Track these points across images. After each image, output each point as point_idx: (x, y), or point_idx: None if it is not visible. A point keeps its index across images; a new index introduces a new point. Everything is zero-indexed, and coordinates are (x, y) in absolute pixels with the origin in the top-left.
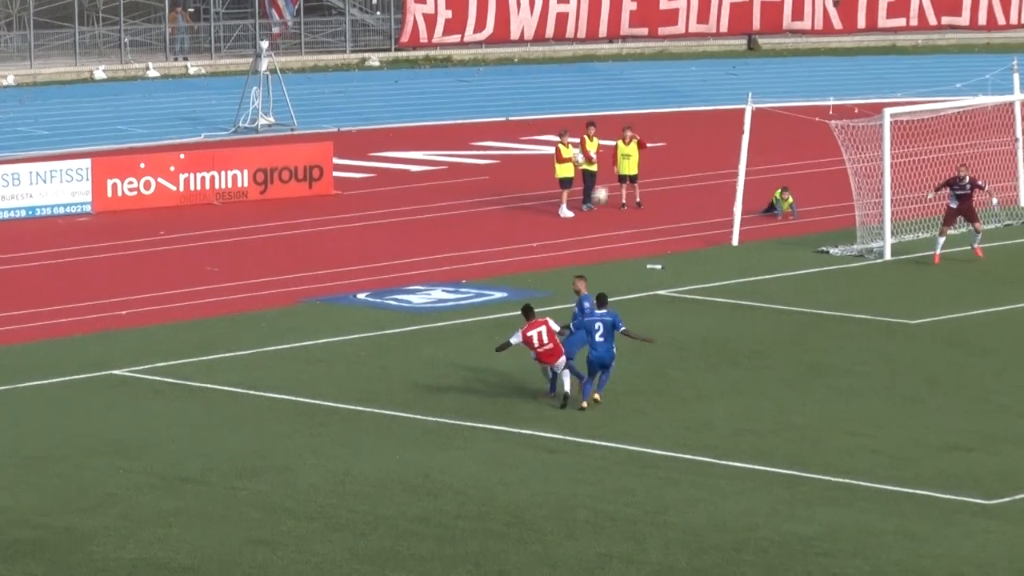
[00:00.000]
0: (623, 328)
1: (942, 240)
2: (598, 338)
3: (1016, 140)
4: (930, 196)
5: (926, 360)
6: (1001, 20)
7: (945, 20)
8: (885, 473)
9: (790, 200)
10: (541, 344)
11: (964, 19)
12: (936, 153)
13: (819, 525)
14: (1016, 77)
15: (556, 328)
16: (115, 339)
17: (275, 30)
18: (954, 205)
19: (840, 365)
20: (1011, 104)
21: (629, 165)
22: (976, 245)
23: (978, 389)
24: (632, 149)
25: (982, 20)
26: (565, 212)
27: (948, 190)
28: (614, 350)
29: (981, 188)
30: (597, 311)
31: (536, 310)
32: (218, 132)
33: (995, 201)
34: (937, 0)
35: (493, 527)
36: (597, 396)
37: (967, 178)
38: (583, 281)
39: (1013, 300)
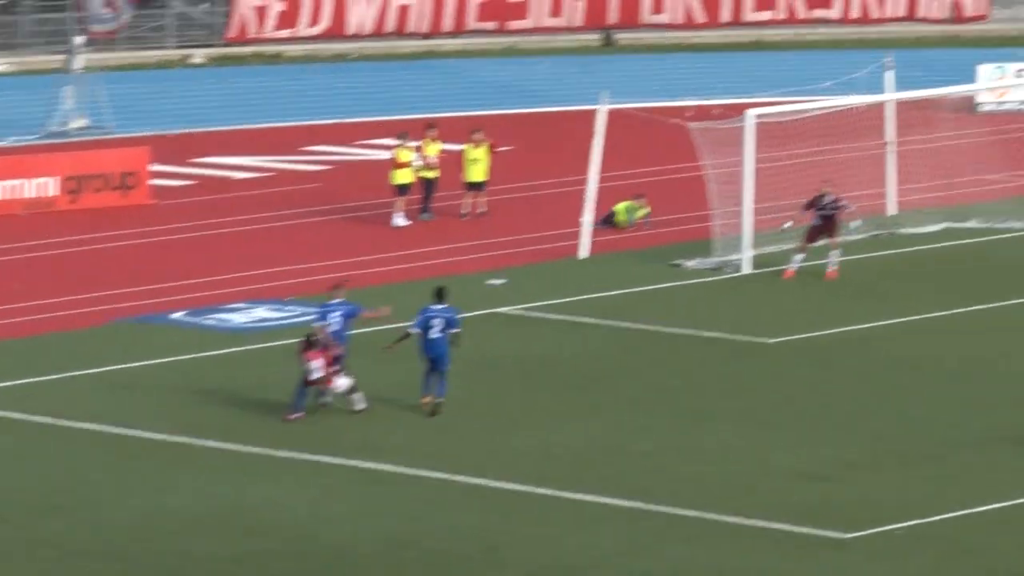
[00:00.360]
0: (457, 330)
1: (800, 257)
2: (435, 334)
3: (887, 143)
4: (786, 226)
5: (783, 381)
6: (875, 13)
7: (816, 13)
8: (737, 504)
9: (644, 210)
10: (308, 374)
11: (836, 12)
12: (802, 158)
13: (666, 562)
14: (889, 75)
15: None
16: None
17: (96, 28)
18: (818, 223)
19: (691, 387)
20: (883, 105)
21: (477, 171)
22: (831, 267)
23: (838, 413)
24: (481, 153)
25: (855, 13)
26: (399, 221)
27: (812, 211)
28: (448, 348)
29: (844, 208)
30: (435, 306)
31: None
32: (26, 136)
33: (854, 225)
34: None
35: (313, 567)
36: (430, 400)
37: (829, 197)
38: (342, 289)
39: (877, 317)
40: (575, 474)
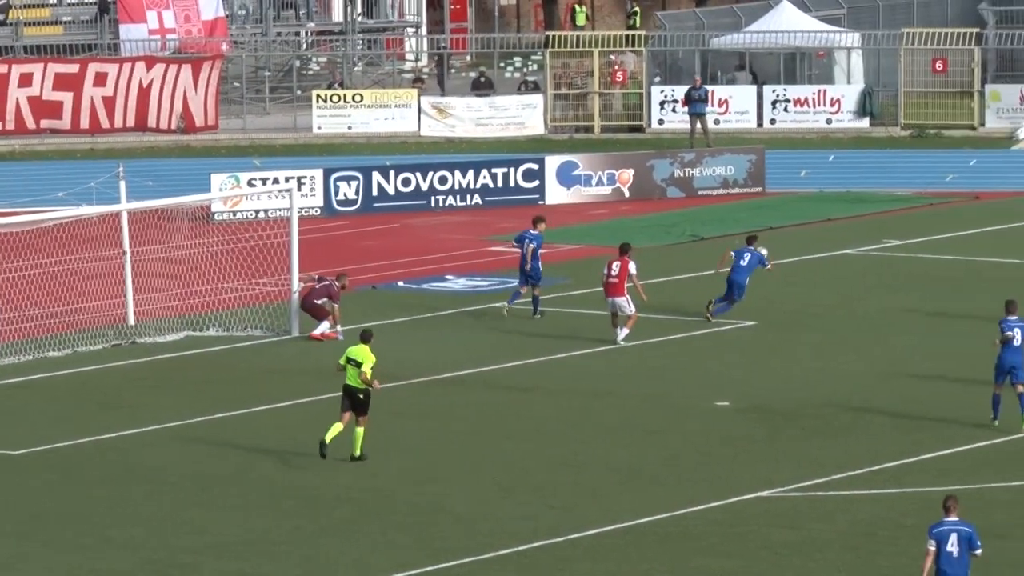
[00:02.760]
0: None
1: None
2: None
3: (124, 253)
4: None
5: (31, 494)
6: (105, 124)
7: (44, 123)
8: None
9: None
10: None
11: (66, 122)
12: (40, 268)
13: None
14: (123, 185)
15: None
16: None
17: None
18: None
19: None
20: (118, 214)
21: None
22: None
23: (86, 523)
24: None
25: (85, 123)
26: None
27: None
28: None
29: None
30: None
31: None
32: None
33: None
34: (36, 102)
35: None
36: None
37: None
38: None
39: (120, 427)
40: None
